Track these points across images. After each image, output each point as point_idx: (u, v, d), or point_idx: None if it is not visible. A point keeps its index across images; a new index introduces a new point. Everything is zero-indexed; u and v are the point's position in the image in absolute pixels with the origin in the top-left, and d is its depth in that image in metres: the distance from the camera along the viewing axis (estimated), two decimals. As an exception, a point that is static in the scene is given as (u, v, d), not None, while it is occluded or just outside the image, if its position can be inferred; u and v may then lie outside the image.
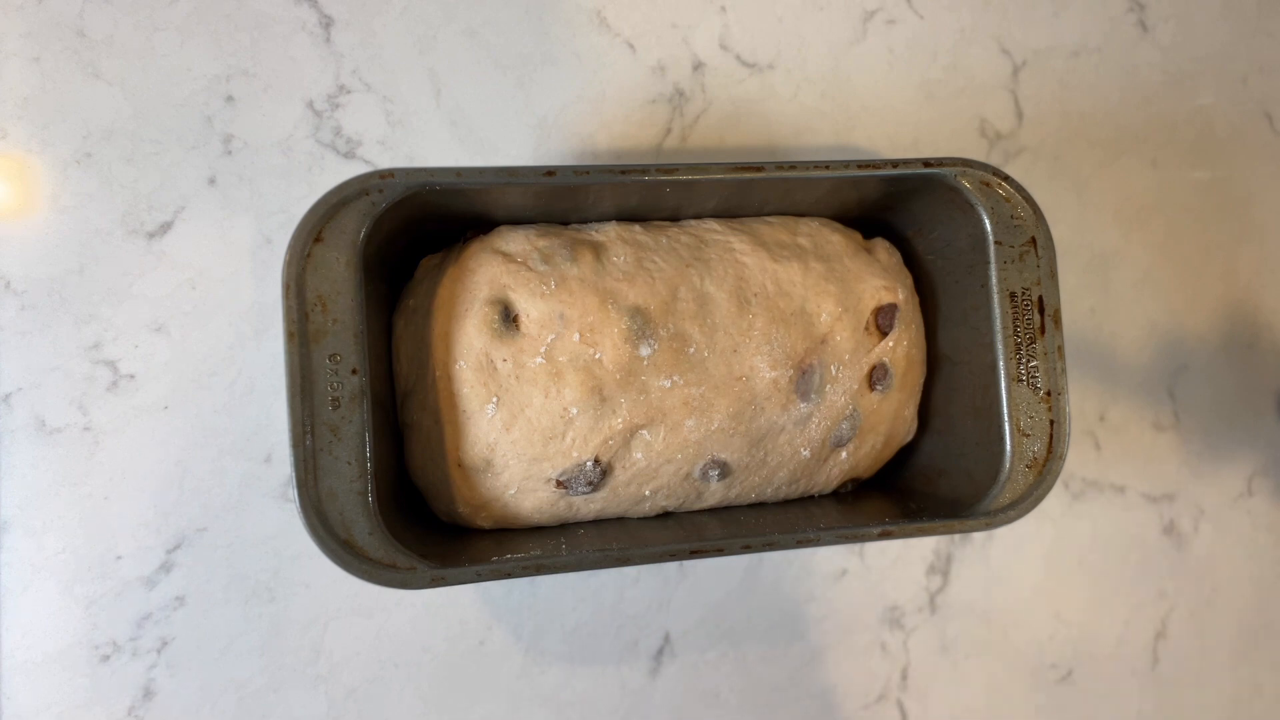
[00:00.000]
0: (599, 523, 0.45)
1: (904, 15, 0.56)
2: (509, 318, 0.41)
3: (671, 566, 0.53)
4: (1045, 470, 0.43)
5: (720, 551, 0.40)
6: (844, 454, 0.47)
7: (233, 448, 0.47)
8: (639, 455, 0.42)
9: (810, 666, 0.54)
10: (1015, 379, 0.43)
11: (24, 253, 0.46)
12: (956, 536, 0.56)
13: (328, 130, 0.49)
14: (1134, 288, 0.59)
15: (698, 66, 0.53)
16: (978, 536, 0.57)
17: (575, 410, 0.41)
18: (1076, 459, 0.58)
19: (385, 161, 0.49)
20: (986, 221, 0.43)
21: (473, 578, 0.38)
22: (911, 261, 0.49)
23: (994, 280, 0.43)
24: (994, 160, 0.57)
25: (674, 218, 0.46)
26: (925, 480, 0.49)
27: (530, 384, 0.41)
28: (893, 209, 0.48)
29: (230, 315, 0.47)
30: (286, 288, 0.36)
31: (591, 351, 0.41)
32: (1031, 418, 0.43)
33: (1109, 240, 0.59)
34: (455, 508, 0.43)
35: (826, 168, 0.42)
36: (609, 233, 0.44)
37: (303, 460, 0.36)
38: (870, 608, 0.55)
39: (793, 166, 0.42)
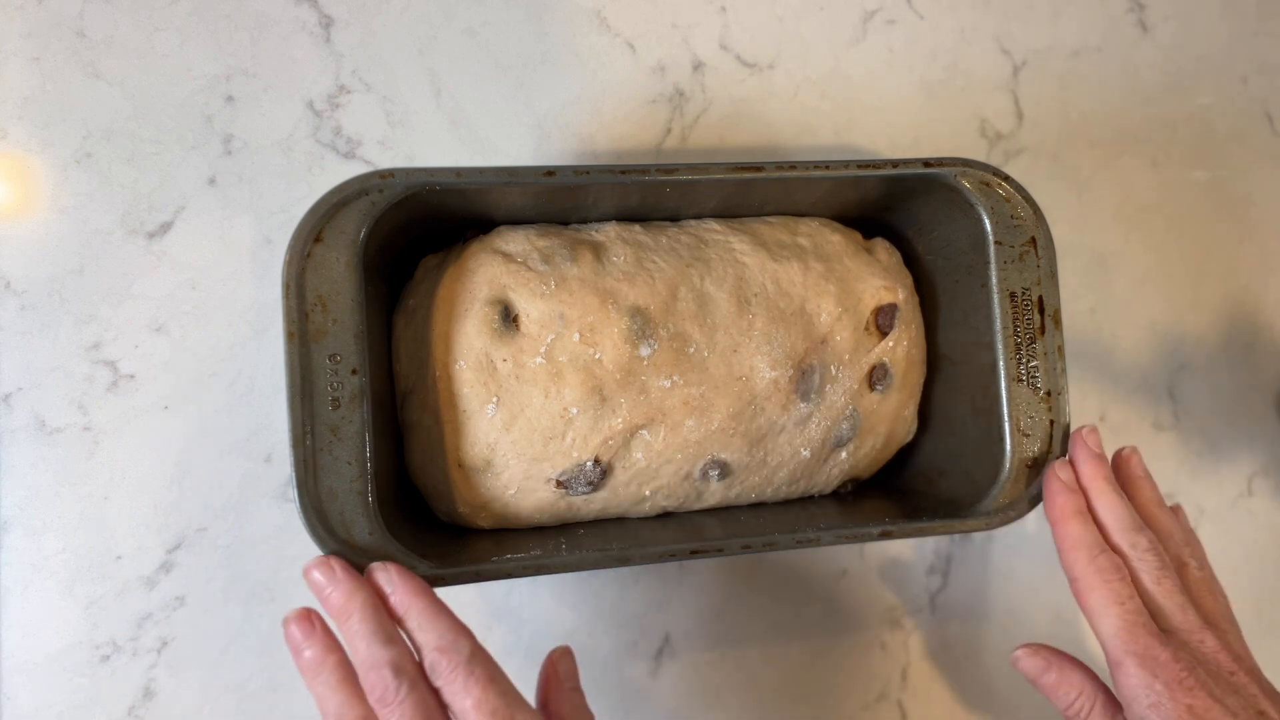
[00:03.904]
0: (599, 523, 0.45)
1: (904, 15, 0.56)
2: (509, 318, 0.41)
3: (671, 566, 0.53)
4: (1045, 470, 0.43)
5: (720, 551, 0.40)
6: (844, 454, 0.47)
7: (233, 448, 0.47)
8: (639, 455, 0.42)
9: (810, 667, 0.54)
10: (1015, 379, 0.43)
11: (24, 253, 0.46)
12: (956, 536, 0.56)
13: (328, 130, 0.49)
14: (1134, 288, 0.59)
15: (698, 66, 0.53)
16: (978, 536, 0.57)
17: (575, 410, 0.41)
18: (1076, 459, 0.58)
19: (385, 161, 0.49)
20: (986, 221, 0.43)
21: (473, 578, 0.38)
22: (911, 261, 0.49)
23: (994, 280, 0.43)
24: (994, 160, 0.57)
25: (674, 218, 0.46)
26: (925, 480, 0.49)
27: (530, 384, 0.41)
28: (893, 209, 0.48)
29: (230, 315, 0.47)
30: (286, 288, 0.36)
31: (591, 351, 0.41)
32: (1031, 418, 0.43)
33: (1109, 240, 0.59)
34: (455, 508, 0.43)
35: (826, 168, 0.42)
36: (609, 233, 0.44)
37: (303, 460, 0.36)
38: (870, 608, 0.55)
39: (793, 166, 0.42)
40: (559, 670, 0.39)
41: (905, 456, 0.50)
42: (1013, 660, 0.42)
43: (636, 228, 0.44)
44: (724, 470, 0.44)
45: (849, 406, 0.45)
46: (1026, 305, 0.43)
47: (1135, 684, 0.37)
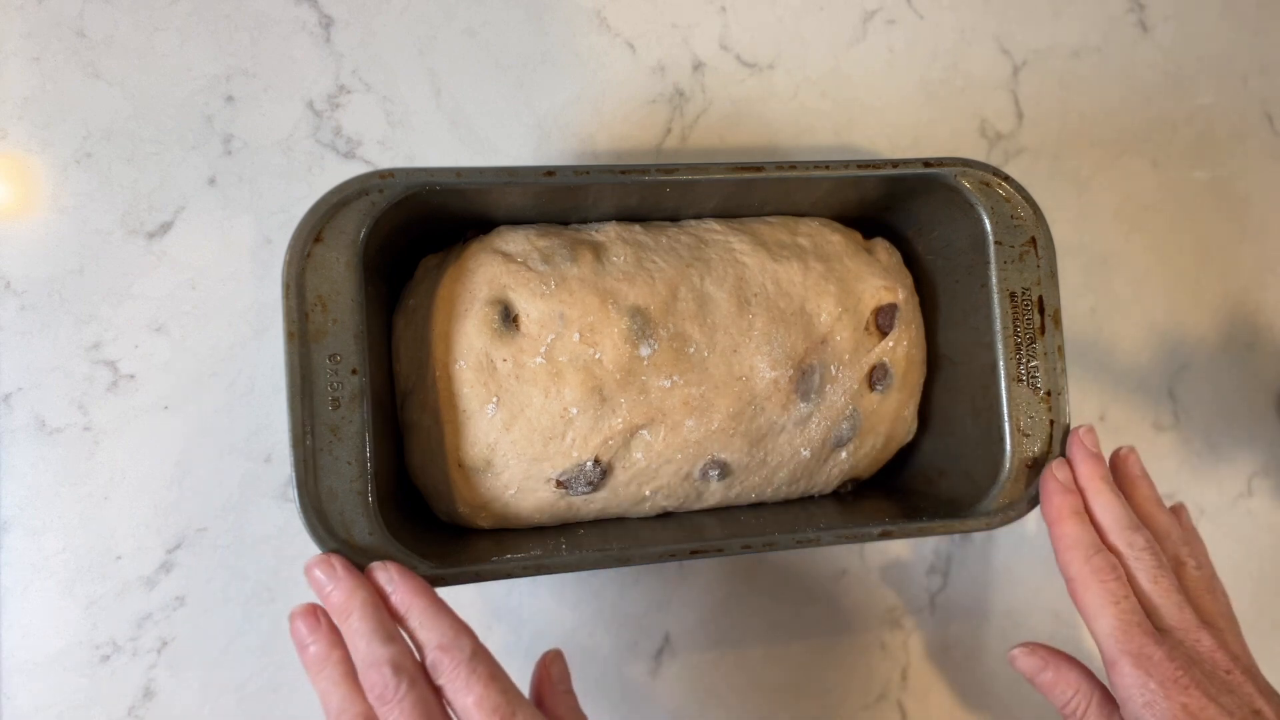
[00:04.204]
0: (599, 523, 0.45)
1: (904, 15, 0.56)
2: (509, 318, 0.41)
3: (671, 566, 0.53)
4: (1043, 470, 0.43)
5: (720, 551, 0.40)
6: (844, 454, 0.47)
7: (233, 448, 0.47)
8: (639, 455, 0.42)
9: (810, 667, 0.54)
10: (1015, 379, 0.43)
11: (24, 253, 0.46)
12: (956, 536, 0.56)
13: (328, 130, 0.49)
14: (1134, 288, 0.59)
15: (698, 66, 0.53)
16: (978, 536, 0.57)
17: (575, 410, 0.41)
18: (1076, 459, 0.58)
19: (385, 161, 0.49)
20: (986, 221, 0.43)
21: (472, 578, 0.38)
22: (911, 261, 0.49)
23: (994, 280, 0.43)
24: (994, 160, 0.57)
25: (674, 218, 0.46)
26: (925, 480, 0.49)
27: (530, 384, 0.41)
28: (893, 209, 0.48)
29: (230, 315, 0.47)
30: (286, 288, 0.36)
31: (591, 351, 0.41)
32: (1031, 418, 0.43)
33: (1109, 240, 0.59)
34: (455, 508, 0.43)
35: (826, 168, 0.42)
36: (609, 233, 0.44)
37: (303, 460, 0.36)
38: (870, 608, 0.55)
39: (793, 166, 0.42)
40: (551, 673, 0.39)
41: (905, 456, 0.50)
42: (1010, 659, 0.42)
43: (636, 228, 0.44)
44: (724, 470, 0.44)
45: (849, 406, 0.45)
46: (1026, 305, 0.43)
47: (1130, 683, 0.37)
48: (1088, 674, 0.41)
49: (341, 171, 0.49)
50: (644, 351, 0.42)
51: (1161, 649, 0.37)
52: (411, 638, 0.34)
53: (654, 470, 0.43)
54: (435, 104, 0.50)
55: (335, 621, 0.34)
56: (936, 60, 0.56)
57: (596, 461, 0.42)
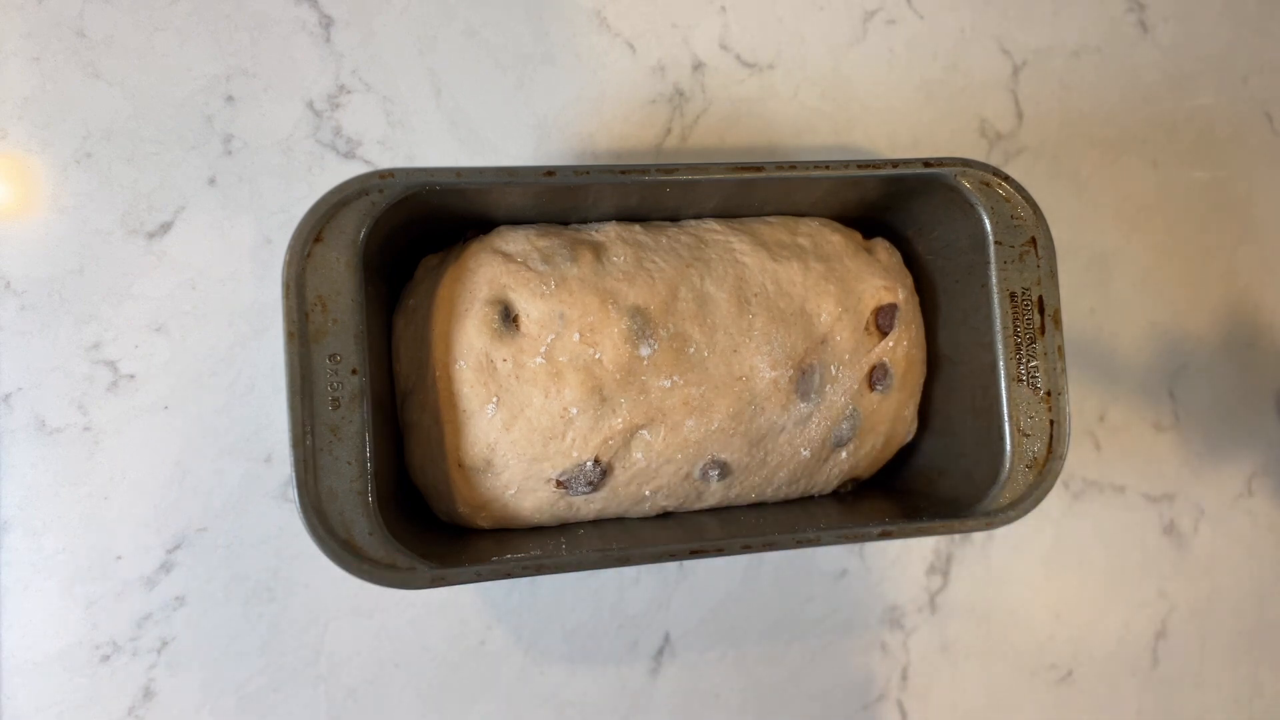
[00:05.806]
0: (599, 523, 0.45)
1: (904, 15, 0.56)
2: (509, 318, 0.41)
3: (671, 566, 0.53)
4: (1045, 470, 0.43)
5: (720, 551, 0.40)
6: (844, 454, 0.47)
7: (233, 448, 0.47)
8: (639, 455, 0.42)
9: (810, 666, 0.54)
10: (1015, 379, 0.43)
11: (24, 253, 0.46)
12: (956, 536, 0.56)
13: (328, 130, 0.49)
14: (1134, 288, 0.59)
15: (698, 66, 0.53)
16: (978, 536, 0.57)
17: (575, 410, 0.41)
18: (1076, 459, 0.58)
19: (385, 161, 0.49)
20: (986, 221, 0.43)
21: (473, 578, 0.38)
22: (911, 261, 0.49)
23: (994, 280, 0.43)
24: (994, 160, 0.57)
25: (674, 218, 0.46)
26: (925, 480, 0.49)
27: (530, 384, 0.41)
28: (893, 209, 0.48)
29: (230, 315, 0.47)
30: (286, 288, 0.36)
31: (591, 351, 0.41)
32: (1031, 418, 0.43)
33: (1109, 240, 0.59)
34: (455, 508, 0.43)
35: (826, 168, 0.42)
36: (609, 233, 0.44)
37: (303, 460, 0.36)
38: (870, 608, 0.55)
39: (793, 166, 0.42)
40: None
41: (905, 456, 0.50)
42: None
43: (636, 228, 0.44)
44: (724, 470, 0.44)
45: (849, 406, 0.45)
46: (1026, 305, 0.43)
47: None
48: None
49: (341, 171, 0.49)
50: (644, 351, 0.42)
51: None
52: None
53: (654, 470, 0.43)
54: (435, 104, 0.50)
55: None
56: (936, 60, 0.57)
57: (596, 461, 0.42)
